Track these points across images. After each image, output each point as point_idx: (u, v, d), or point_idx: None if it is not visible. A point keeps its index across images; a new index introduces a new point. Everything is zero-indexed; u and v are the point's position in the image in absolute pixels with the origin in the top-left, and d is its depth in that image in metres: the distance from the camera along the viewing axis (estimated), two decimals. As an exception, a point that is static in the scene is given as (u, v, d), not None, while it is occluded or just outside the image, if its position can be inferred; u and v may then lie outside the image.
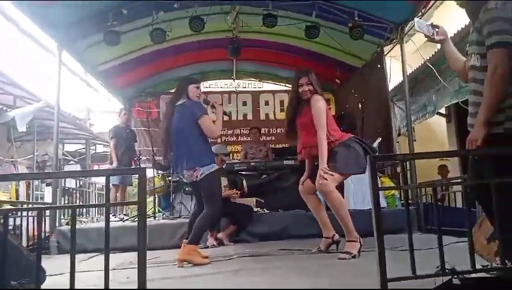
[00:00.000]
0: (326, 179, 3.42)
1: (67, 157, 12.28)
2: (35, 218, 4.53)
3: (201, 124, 3.56)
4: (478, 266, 1.97)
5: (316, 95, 3.66)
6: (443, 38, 2.47)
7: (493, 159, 2.05)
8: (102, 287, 1.64)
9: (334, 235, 3.74)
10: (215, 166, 3.62)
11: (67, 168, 12.27)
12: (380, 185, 5.80)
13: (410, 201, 5.65)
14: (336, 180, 3.52)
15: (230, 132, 9.17)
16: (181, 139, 3.63)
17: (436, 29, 2.47)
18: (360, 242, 3.42)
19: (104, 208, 1.65)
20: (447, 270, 1.88)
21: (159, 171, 6.66)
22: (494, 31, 2.04)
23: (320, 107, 3.59)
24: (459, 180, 5.22)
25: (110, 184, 6.57)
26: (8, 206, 4.91)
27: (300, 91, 3.69)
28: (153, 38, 5.95)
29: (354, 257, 3.31)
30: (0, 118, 7.04)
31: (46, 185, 8.66)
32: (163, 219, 5.95)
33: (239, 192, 5.42)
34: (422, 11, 5.41)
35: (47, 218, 5.09)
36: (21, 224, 4.89)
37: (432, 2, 5.33)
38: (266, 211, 5.77)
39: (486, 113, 2.05)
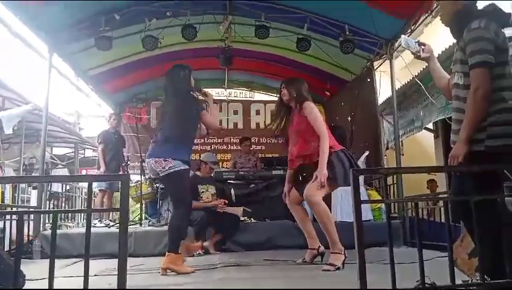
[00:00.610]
0: (323, 187, 3.45)
1: (55, 161, 12.15)
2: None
3: (203, 119, 3.60)
4: (459, 281, 1.99)
5: (308, 102, 3.71)
6: (428, 55, 2.51)
7: (474, 176, 2.09)
8: (82, 294, 1.63)
9: (319, 246, 3.75)
10: (185, 166, 3.46)
11: (54, 171, 12.14)
12: (368, 198, 5.90)
13: (396, 215, 5.72)
14: (325, 191, 3.55)
15: (220, 140, 9.18)
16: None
17: (423, 47, 2.51)
18: (344, 254, 3.44)
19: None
20: (426, 285, 1.89)
21: (147, 177, 6.63)
22: (477, 51, 2.09)
23: (317, 114, 3.66)
24: (441, 196, 5.30)
25: (97, 189, 6.64)
26: (-9, 209, 4.84)
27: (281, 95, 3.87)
28: (145, 45, 5.94)
29: (338, 268, 3.33)
30: (-14, 120, 6.96)
31: (33, 189, 8.56)
32: (149, 225, 5.91)
33: (226, 201, 5.42)
34: (412, 27, 5.50)
35: (31, 222, 5.03)
36: (4, 227, 4.82)
37: (422, 19, 5.41)
38: (253, 220, 5.77)
39: (467, 131, 2.10)
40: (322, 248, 3.73)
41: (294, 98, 3.77)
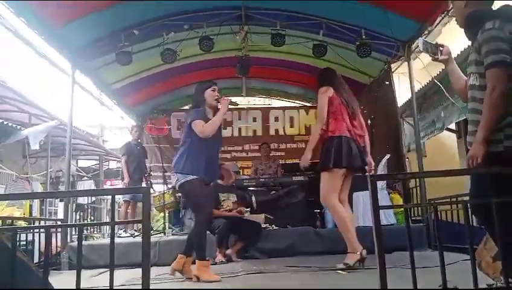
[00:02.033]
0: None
1: (80, 173, 12.47)
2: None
3: (194, 129, 3.57)
4: (483, 285, 1.96)
5: (320, 89, 3.91)
6: (447, 58, 2.49)
7: (493, 178, 2.06)
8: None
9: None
10: (193, 176, 3.53)
11: (80, 183, 12.46)
12: (391, 201, 5.84)
13: (419, 218, 5.64)
14: (331, 185, 3.70)
15: (240, 148, 9.26)
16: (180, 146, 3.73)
17: (441, 48, 2.50)
18: (361, 254, 3.51)
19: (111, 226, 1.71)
20: (449, 289, 1.88)
21: (169, 187, 6.74)
22: (492, 50, 2.08)
23: (321, 100, 3.86)
24: (461, 199, 5.17)
25: (122, 200, 6.79)
26: (20, 223, 5.00)
27: None
28: (163, 58, 6.08)
29: (349, 267, 3.47)
30: (14, 137, 7.22)
31: (60, 201, 8.79)
32: (172, 234, 6.00)
33: (248, 209, 5.45)
34: (429, 29, 5.45)
35: (58, 234, 5.18)
36: (33, 240, 4.97)
37: (439, 19, 5.36)
38: (275, 227, 5.78)
39: (485, 132, 2.08)
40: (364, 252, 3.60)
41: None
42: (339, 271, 3.47)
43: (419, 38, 2.91)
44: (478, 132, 2.11)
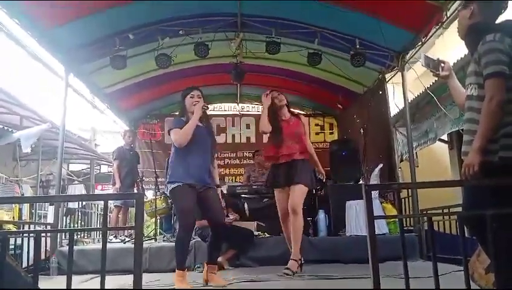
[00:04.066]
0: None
1: (71, 177, 12.34)
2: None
3: (171, 138, 3.67)
4: (474, 296, 1.96)
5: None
6: (448, 74, 2.52)
7: (488, 189, 2.07)
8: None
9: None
10: (177, 183, 3.55)
11: (71, 187, 12.32)
12: (383, 211, 5.84)
13: (411, 228, 5.65)
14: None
15: (233, 154, 9.24)
16: None
17: (442, 65, 2.53)
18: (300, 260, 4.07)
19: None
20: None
21: (161, 193, 6.69)
22: (491, 61, 2.10)
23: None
24: (455, 210, 5.19)
25: (113, 205, 6.71)
26: (9, 226, 4.92)
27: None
28: (158, 63, 6.07)
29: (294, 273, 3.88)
30: (5, 139, 7.13)
31: (50, 205, 8.68)
32: (163, 241, 5.94)
33: (238, 216, 5.42)
34: (423, 39, 5.50)
35: (48, 239, 5.11)
36: (22, 244, 4.90)
37: (433, 31, 5.41)
38: (267, 235, 5.75)
39: (481, 141, 2.10)
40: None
41: (287, 105, 4.53)
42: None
43: (421, 53, 2.92)
44: (475, 140, 2.13)
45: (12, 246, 4.87)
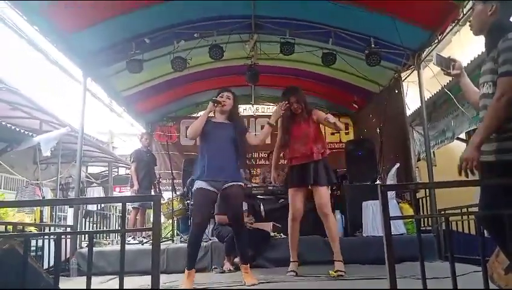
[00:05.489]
0: None
1: (90, 180, 12.55)
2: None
3: None
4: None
5: (315, 110, 4.45)
6: (459, 72, 2.50)
7: (506, 189, 2.04)
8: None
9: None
10: (196, 182, 3.72)
11: (90, 190, 12.55)
12: (400, 211, 5.77)
13: (429, 228, 5.57)
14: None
15: (248, 155, 9.24)
16: None
17: (453, 63, 2.51)
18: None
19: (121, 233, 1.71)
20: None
21: (178, 194, 6.75)
22: (509, 60, 2.07)
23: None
24: (472, 210, 5.10)
25: (131, 207, 6.80)
26: (31, 229, 5.04)
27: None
28: (174, 66, 6.13)
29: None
30: (26, 143, 7.30)
31: (69, 207, 8.84)
32: (181, 242, 5.99)
33: (254, 219, 5.44)
34: (439, 37, 5.43)
35: (67, 240, 5.21)
36: (43, 246, 5.00)
37: (449, 28, 5.34)
38: (283, 236, 5.74)
39: (482, 136, 2.08)
40: None
41: (305, 107, 4.29)
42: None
43: (434, 52, 2.91)
44: (475, 135, 2.11)
45: (34, 248, 4.98)
